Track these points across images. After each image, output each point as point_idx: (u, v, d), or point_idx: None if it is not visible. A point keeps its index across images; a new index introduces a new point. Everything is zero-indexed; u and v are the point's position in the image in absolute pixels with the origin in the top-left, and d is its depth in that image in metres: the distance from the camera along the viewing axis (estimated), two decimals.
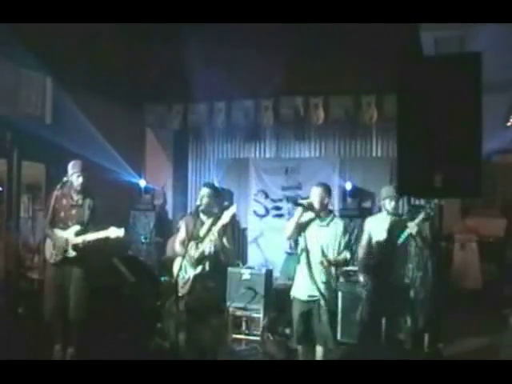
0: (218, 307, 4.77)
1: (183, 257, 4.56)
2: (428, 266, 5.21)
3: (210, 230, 4.64)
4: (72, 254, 4.91)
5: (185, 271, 4.69)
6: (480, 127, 2.95)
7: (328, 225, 4.62)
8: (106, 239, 4.95)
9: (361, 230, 5.72)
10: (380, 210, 5.77)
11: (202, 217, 4.75)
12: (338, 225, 4.63)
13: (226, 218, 4.57)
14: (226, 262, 4.77)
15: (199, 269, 4.66)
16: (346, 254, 4.59)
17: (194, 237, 4.64)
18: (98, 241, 4.93)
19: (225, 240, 4.65)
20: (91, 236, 4.93)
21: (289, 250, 7.44)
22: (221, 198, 5.01)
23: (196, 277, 4.66)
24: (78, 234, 4.93)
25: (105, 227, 4.94)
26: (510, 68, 5.15)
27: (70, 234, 4.94)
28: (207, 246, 4.60)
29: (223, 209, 4.71)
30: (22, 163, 6.54)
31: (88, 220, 5.03)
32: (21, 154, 5.89)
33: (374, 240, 5.19)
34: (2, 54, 5.62)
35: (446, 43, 4.58)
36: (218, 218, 4.64)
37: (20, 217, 6.79)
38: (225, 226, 4.62)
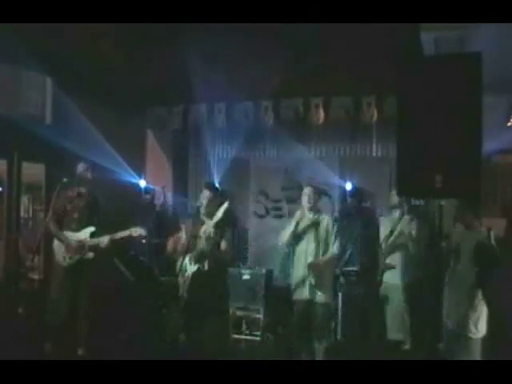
0: (218, 306, 4.78)
1: (183, 257, 4.59)
2: (427, 266, 5.21)
3: (207, 228, 4.70)
4: (90, 255, 4.93)
5: (185, 271, 4.71)
6: (480, 127, 2.96)
7: (315, 222, 4.81)
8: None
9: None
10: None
11: (203, 217, 4.79)
12: (323, 221, 4.82)
13: (219, 213, 4.66)
14: (225, 258, 4.81)
15: (198, 267, 4.68)
16: (333, 251, 4.76)
17: (193, 237, 4.68)
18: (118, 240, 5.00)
19: (222, 235, 4.70)
20: (118, 235, 4.98)
21: (287, 250, 7.43)
22: (221, 199, 5.04)
23: (195, 276, 4.69)
24: (93, 235, 4.95)
25: (122, 227, 5.02)
26: (510, 68, 5.14)
27: (85, 235, 4.94)
28: (205, 243, 4.66)
29: (219, 206, 4.76)
30: (22, 163, 6.53)
31: (100, 221, 5.06)
32: (21, 154, 5.89)
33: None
34: (1, 54, 5.61)
35: (446, 43, 4.58)
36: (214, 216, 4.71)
37: (20, 217, 6.79)
38: (220, 222, 4.67)
